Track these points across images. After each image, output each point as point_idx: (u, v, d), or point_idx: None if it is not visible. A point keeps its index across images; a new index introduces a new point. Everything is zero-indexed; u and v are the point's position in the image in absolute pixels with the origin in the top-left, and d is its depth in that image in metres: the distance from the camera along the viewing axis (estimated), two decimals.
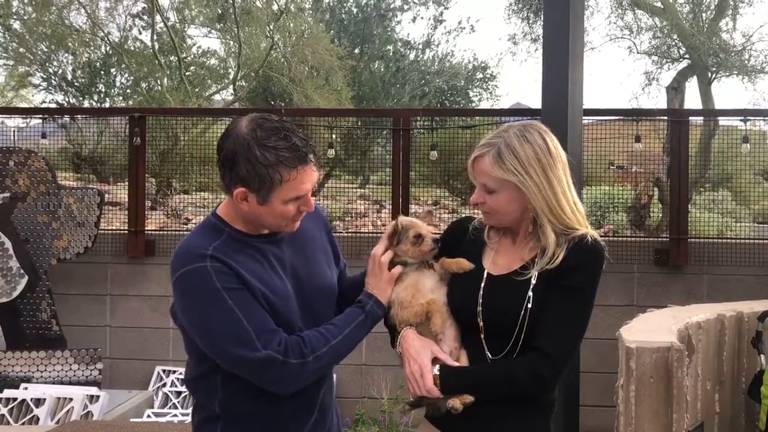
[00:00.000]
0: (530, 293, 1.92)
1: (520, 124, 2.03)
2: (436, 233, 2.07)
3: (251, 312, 1.81)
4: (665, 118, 6.85)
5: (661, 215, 7.04)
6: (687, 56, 12.16)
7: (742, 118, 6.28)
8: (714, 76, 11.98)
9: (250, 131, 1.80)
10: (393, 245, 2.03)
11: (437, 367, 1.94)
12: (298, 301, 1.94)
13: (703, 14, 12.13)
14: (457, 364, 1.96)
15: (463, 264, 2.03)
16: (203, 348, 1.87)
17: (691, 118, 6.55)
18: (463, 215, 2.21)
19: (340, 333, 1.90)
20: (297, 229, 1.98)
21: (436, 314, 1.97)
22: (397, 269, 2.03)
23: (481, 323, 1.96)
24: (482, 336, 1.97)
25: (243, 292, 1.82)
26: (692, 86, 12.36)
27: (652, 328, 3.51)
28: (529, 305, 1.91)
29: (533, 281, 1.93)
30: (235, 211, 1.92)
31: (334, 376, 2.16)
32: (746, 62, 12.08)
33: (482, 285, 1.97)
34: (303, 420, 1.98)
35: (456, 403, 1.91)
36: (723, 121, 7.67)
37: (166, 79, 14.11)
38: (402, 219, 2.06)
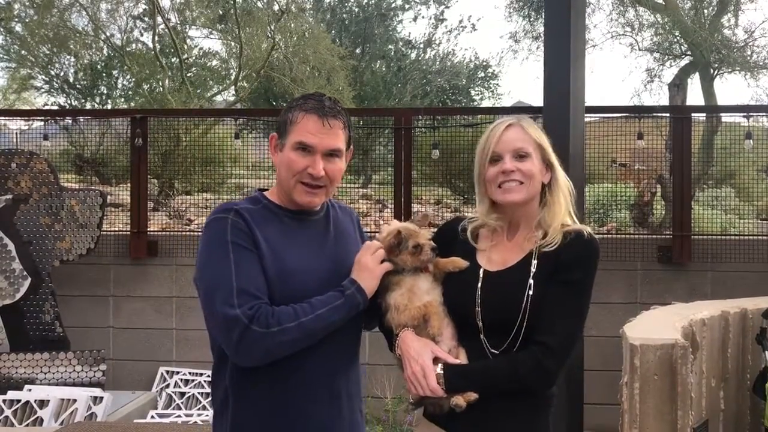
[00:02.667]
0: (531, 281, 1.94)
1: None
2: (430, 237, 2.06)
3: (245, 271, 1.86)
4: (667, 115, 6.83)
5: (664, 212, 7.02)
6: (689, 53, 12.14)
7: (745, 114, 6.27)
8: (716, 72, 11.96)
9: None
10: (394, 255, 2.01)
11: (440, 366, 1.93)
12: (327, 281, 1.94)
13: (705, 10, 12.10)
14: (458, 361, 1.96)
15: (458, 263, 2.03)
16: (200, 297, 1.92)
17: (693, 114, 6.54)
18: (467, 214, 2.19)
19: (312, 312, 1.88)
20: (336, 219, 2.07)
21: (433, 316, 1.97)
22: (387, 265, 2.00)
23: (481, 320, 1.97)
24: (481, 332, 1.97)
25: (248, 252, 1.88)
26: (694, 83, 12.34)
27: (656, 326, 3.50)
28: (531, 292, 1.93)
29: (533, 269, 1.95)
30: (276, 181, 2.04)
31: (361, 370, 2.13)
32: (748, 58, 12.05)
33: (480, 282, 1.99)
34: (313, 405, 1.96)
35: (460, 400, 1.91)
36: (726, 117, 7.65)
37: (167, 81, 14.11)
38: (402, 228, 2.03)
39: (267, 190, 2.09)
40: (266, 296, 1.87)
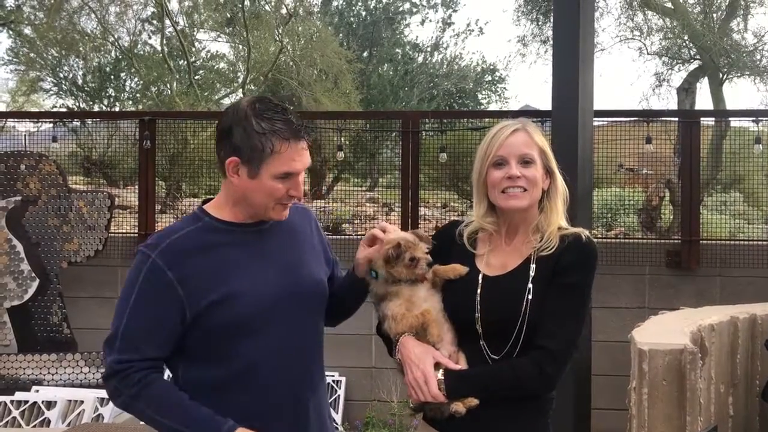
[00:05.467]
0: (530, 285, 1.94)
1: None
2: (429, 252, 2.02)
3: (139, 319, 1.81)
4: (676, 119, 6.80)
5: (672, 217, 6.99)
6: (698, 57, 12.11)
7: (754, 119, 6.24)
8: (725, 76, 11.91)
9: (249, 104, 1.84)
10: (390, 266, 2.00)
11: (441, 371, 1.93)
12: (281, 292, 1.90)
13: (714, 15, 12.07)
14: (459, 367, 1.95)
15: (458, 269, 2.02)
16: None
17: (702, 119, 6.50)
18: (469, 217, 2.19)
19: (174, 418, 1.81)
20: (287, 223, 1.97)
21: (432, 324, 1.96)
22: None
23: (481, 325, 1.96)
24: (481, 337, 1.97)
25: (155, 297, 1.81)
26: (703, 87, 12.33)
27: (665, 330, 3.48)
28: (530, 297, 1.92)
29: (532, 273, 1.95)
30: (225, 196, 1.93)
31: (325, 385, 2.09)
32: (758, 62, 12.00)
33: (479, 287, 1.98)
34: (275, 417, 1.90)
35: (460, 407, 1.90)
36: (734, 122, 7.61)
37: (175, 83, 14.19)
38: (401, 240, 2.00)
39: (211, 199, 1.98)
40: (158, 351, 1.82)
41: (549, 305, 1.92)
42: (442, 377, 1.91)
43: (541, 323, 1.91)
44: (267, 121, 1.82)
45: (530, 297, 1.92)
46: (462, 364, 1.96)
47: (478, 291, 1.97)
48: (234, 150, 1.83)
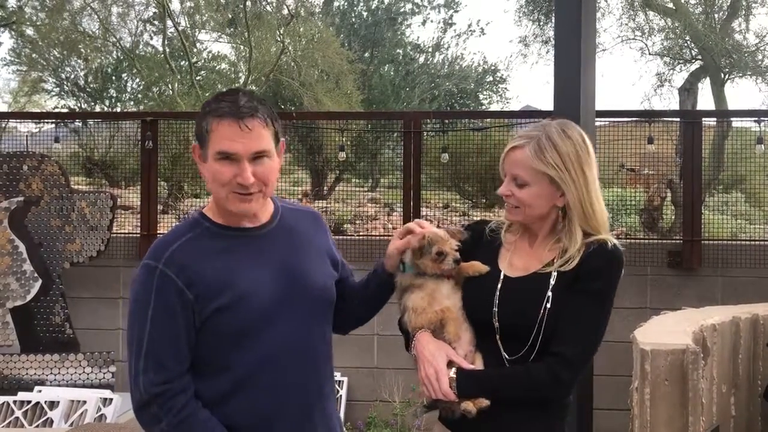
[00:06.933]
0: (549, 293, 1.91)
1: (559, 121, 2.02)
2: (458, 249, 2.00)
3: (162, 332, 1.78)
4: (678, 119, 6.80)
5: (673, 217, 6.99)
6: (699, 57, 12.11)
7: (756, 119, 6.24)
8: (727, 77, 11.92)
9: (218, 93, 1.86)
10: (416, 258, 2.00)
11: (453, 370, 1.92)
12: (281, 296, 1.87)
13: (716, 15, 12.07)
14: (472, 366, 1.94)
15: (479, 267, 2.02)
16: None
17: (703, 119, 6.49)
18: (476, 218, 2.18)
19: None
20: (288, 227, 1.94)
21: (450, 322, 1.95)
22: None
23: (498, 325, 1.95)
24: (498, 338, 1.96)
25: (172, 307, 1.78)
26: (705, 87, 12.30)
27: (667, 331, 3.48)
28: (548, 305, 1.90)
29: (552, 281, 1.92)
30: (216, 201, 1.90)
31: (336, 396, 2.09)
32: (760, 63, 12.00)
33: (499, 287, 1.97)
34: (276, 423, 1.89)
35: (470, 406, 1.90)
36: (736, 122, 7.61)
37: (177, 84, 14.19)
38: (429, 233, 1.99)
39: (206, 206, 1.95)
40: (184, 363, 1.80)
41: (569, 310, 1.89)
42: (455, 375, 1.91)
43: (559, 328, 1.88)
44: (214, 102, 1.81)
45: (548, 305, 1.89)
46: (478, 365, 1.95)
47: (498, 290, 1.96)
48: (195, 136, 1.87)
